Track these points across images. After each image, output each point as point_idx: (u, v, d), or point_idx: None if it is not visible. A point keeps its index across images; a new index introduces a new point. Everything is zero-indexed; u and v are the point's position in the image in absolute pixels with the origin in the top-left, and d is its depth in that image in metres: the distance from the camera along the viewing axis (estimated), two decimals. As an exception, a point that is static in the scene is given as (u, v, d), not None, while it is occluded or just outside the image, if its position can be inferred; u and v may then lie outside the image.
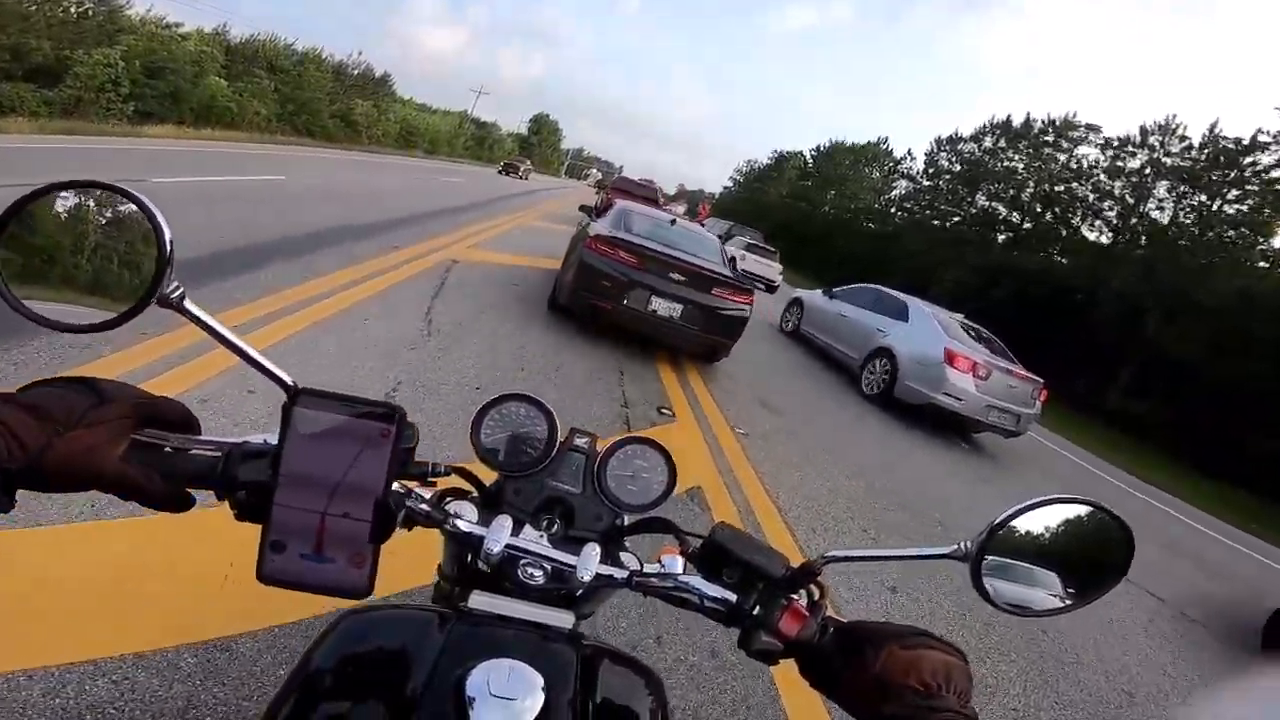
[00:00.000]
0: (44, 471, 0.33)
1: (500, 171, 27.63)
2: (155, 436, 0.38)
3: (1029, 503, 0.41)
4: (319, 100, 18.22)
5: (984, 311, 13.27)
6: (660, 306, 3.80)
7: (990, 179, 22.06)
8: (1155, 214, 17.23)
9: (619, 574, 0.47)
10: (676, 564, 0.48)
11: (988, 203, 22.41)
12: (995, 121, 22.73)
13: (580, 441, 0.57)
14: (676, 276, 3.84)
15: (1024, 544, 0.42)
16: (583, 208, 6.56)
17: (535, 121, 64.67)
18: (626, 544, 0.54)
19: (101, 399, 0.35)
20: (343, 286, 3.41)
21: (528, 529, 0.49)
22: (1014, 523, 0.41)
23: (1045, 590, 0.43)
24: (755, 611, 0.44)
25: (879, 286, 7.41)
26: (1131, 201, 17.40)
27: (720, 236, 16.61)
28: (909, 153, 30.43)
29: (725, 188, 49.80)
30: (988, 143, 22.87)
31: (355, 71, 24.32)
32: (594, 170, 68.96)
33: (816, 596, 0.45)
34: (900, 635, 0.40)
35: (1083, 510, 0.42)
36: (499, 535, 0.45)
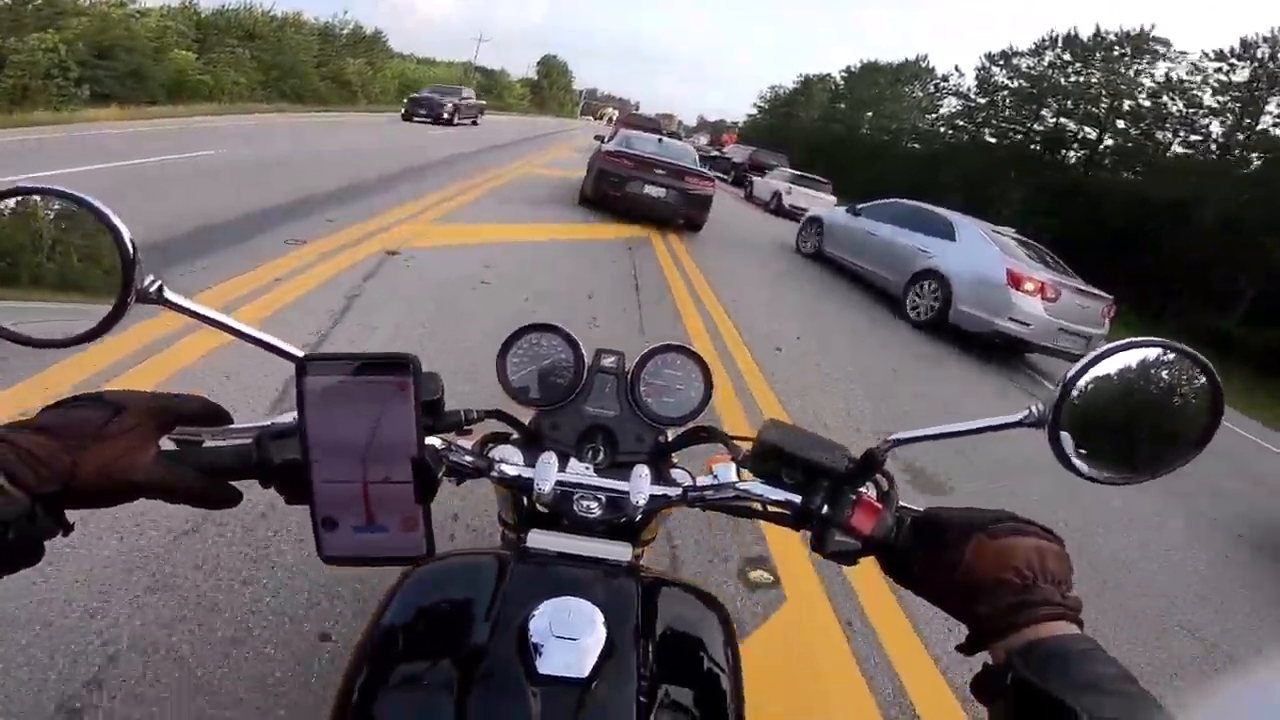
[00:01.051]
0: (80, 491, 0.33)
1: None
2: (184, 434, 0.38)
3: (1101, 350, 0.38)
4: (304, 64, 17.64)
5: (1057, 234, 12.20)
6: (651, 191, 6.20)
7: (1058, 94, 20.09)
8: (1272, 129, 15.27)
9: (673, 492, 0.47)
10: (730, 472, 0.48)
11: (1055, 119, 20.48)
12: (1056, 35, 20.67)
13: (608, 362, 0.57)
14: (660, 172, 6.23)
15: (1102, 401, 0.38)
16: (596, 137, 9.34)
17: (543, 64, 63.02)
18: (675, 460, 0.55)
19: (116, 409, 0.35)
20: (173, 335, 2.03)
21: (573, 462, 0.51)
22: (1088, 377, 0.38)
23: (1132, 450, 0.40)
24: (824, 511, 0.42)
25: (914, 202, 6.58)
26: (1237, 116, 15.69)
27: (754, 167, 15.85)
28: (956, 69, 27.32)
29: (750, 116, 46.90)
30: (1049, 57, 20.89)
31: (344, 32, 23.66)
32: (611, 110, 67.00)
33: (886, 487, 0.43)
34: (985, 524, 0.37)
35: (1162, 354, 0.39)
36: (547, 474, 0.45)
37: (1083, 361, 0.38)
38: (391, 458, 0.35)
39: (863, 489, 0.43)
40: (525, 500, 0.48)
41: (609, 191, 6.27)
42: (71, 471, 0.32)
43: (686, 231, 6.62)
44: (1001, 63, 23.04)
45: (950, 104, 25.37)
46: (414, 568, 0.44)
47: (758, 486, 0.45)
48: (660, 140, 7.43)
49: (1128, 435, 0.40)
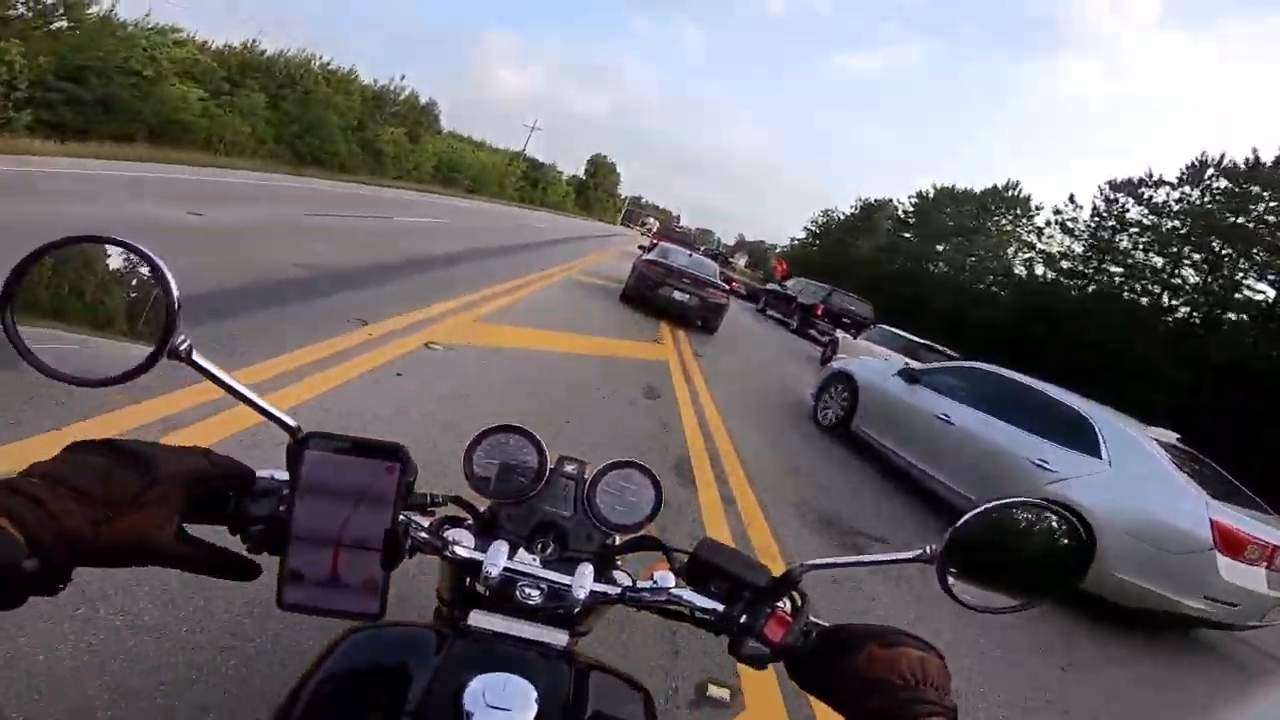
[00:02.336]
0: (92, 554, 0.36)
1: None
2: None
3: (987, 505, 0.50)
4: (329, 122, 17.20)
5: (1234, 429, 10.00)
6: (678, 295, 8.65)
7: (1236, 238, 16.14)
8: None
9: (613, 590, 0.56)
10: (668, 579, 0.57)
11: (1229, 271, 16.50)
12: (1210, 159, 17.58)
13: (569, 468, 0.68)
14: (687, 281, 8.74)
15: (987, 544, 0.51)
16: (640, 247, 13.53)
17: (592, 164, 66.03)
18: (619, 562, 0.64)
19: (154, 479, 0.39)
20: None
21: (522, 552, 0.58)
22: (974, 526, 0.50)
23: (1008, 588, 0.52)
24: (742, 620, 0.53)
25: (1019, 375, 4.51)
26: None
27: (832, 315, 13.90)
28: (1071, 199, 22.52)
29: (794, 240, 48.46)
30: (1197, 190, 17.66)
31: (400, 97, 23.97)
32: (652, 220, 71.98)
33: (799, 603, 0.54)
34: (879, 634, 0.47)
35: (1040, 509, 0.51)
36: (497, 559, 0.53)
37: (970, 514, 0.50)
38: (367, 527, 0.44)
39: (779, 604, 0.54)
40: (469, 581, 0.56)
41: (645, 292, 8.68)
42: (93, 540, 0.36)
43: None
44: (1124, 191, 19.79)
45: (1058, 241, 22.22)
46: (351, 631, 0.52)
47: (688, 594, 0.55)
48: (690, 255, 10.30)
49: (1003, 575, 0.52)
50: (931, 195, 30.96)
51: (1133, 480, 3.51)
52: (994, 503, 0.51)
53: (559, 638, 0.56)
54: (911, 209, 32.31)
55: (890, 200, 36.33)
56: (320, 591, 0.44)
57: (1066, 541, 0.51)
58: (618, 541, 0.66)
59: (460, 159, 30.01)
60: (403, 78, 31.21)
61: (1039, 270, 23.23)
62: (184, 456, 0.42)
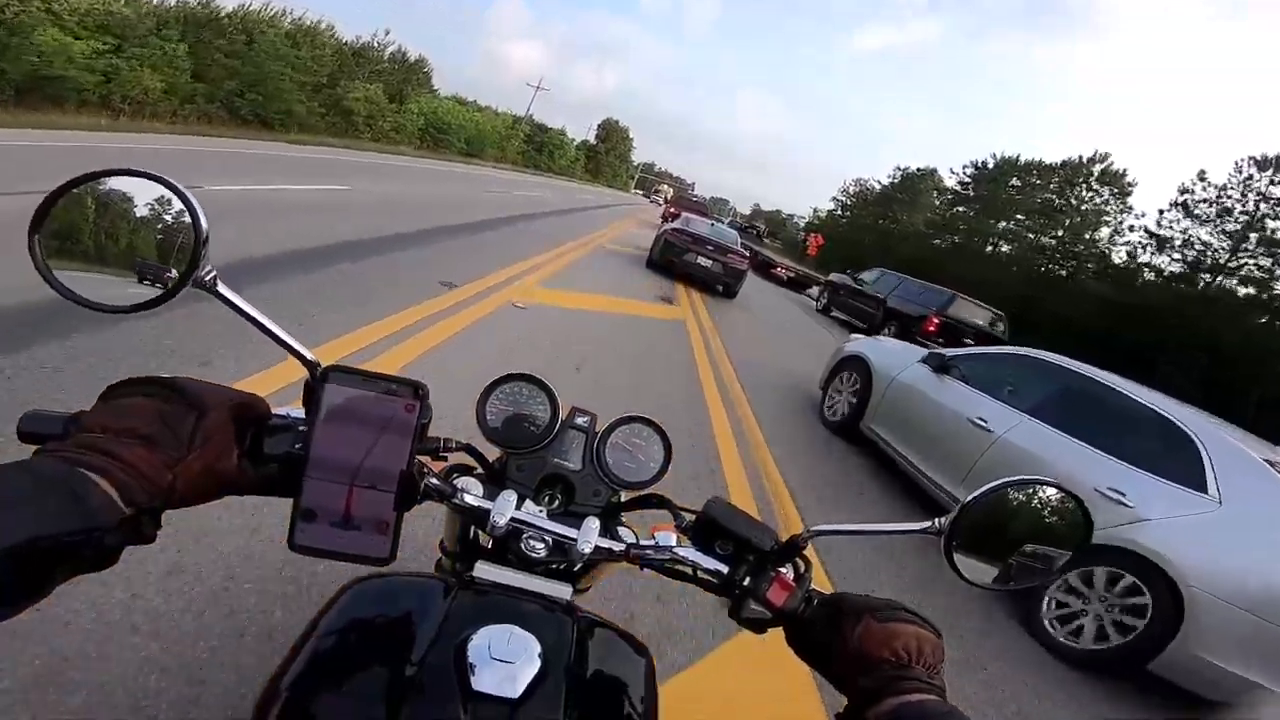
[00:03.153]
0: (177, 498, 0.42)
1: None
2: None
3: (995, 484, 0.57)
4: (277, 76, 16.08)
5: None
6: (702, 261, 10.06)
7: None
8: None
9: (617, 547, 0.62)
10: (671, 538, 0.63)
11: None
12: None
13: (581, 420, 0.73)
14: (710, 248, 10.20)
15: (993, 522, 0.57)
16: (663, 217, 18.90)
17: (604, 127, 65.86)
18: (624, 519, 0.70)
19: (200, 411, 0.44)
20: None
21: (529, 504, 0.64)
22: (983, 503, 0.56)
23: (1009, 565, 0.59)
24: (745, 582, 0.59)
25: (1086, 369, 3.60)
26: None
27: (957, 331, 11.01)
28: (1201, 175, 20.26)
29: (816, 211, 49.00)
30: None
31: (385, 53, 22.92)
32: (665, 187, 75.56)
33: (803, 569, 0.60)
34: (876, 609, 0.52)
35: (1047, 490, 0.58)
36: (505, 509, 0.59)
37: (980, 491, 0.56)
38: (383, 467, 0.48)
39: (783, 568, 0.60)
40: (474, 532, 0.67)
41: (671, 258, 9.97)
42: (172, 482, 0.41)
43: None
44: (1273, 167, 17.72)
45: (1176, 223, 20.11)
46: (355, 581, 0.57)
47: (693, 554, 0.61)
48: (712, 225, 11.68)
49: (1007, 552, 0.58)
50: (992, 164, 29.41)
51: (1253, 526, 2.60)
52: (1005, 480, 0.57)
53: (563, 591, 0.62)
54: (969, 179, 30.71)
55: (934, 170, 35.03)
56: (332, 532, 0.48)
57: (1066, 517, 0.59)
58: (624, 498, 0.72)
59: (450, 121, 28.99)
60: (387, 32, 30.22)
61: (1150, 259, 21.32)
62: (212, 388, 0.46)
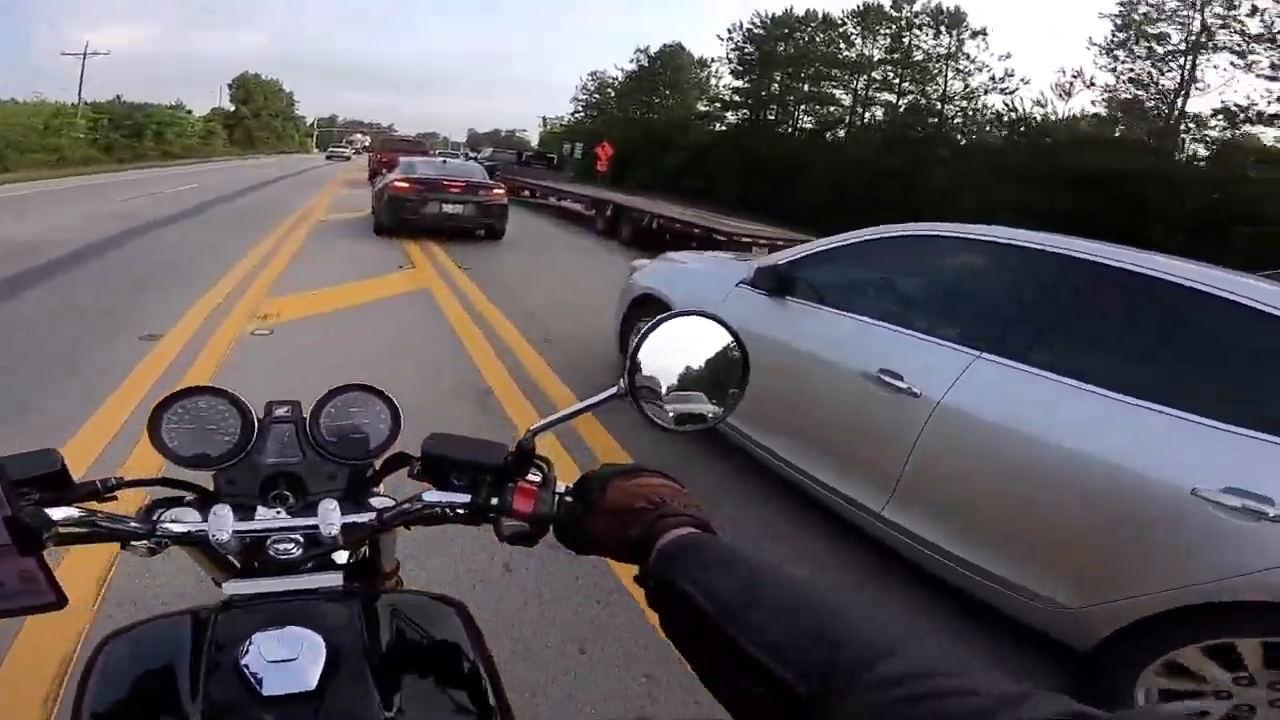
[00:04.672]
0: None
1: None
2: None
3: (648, 326, 0.65)
4: None
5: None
6: (449, 208, 9.75)
7: None
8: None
9: (367, 517, 0.68)
10: (423, 491, 0.70)
11: None
12: None
13: (282, 411, 0.77)
14: (455, 190, 9.92)
15: (665, 366, 0.67)
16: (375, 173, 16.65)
17: (239, 86, 61.40)
18: (380, 489, 0.77)
19: None
20: None
21: (261, 510, 0.69)
22: (648, 351, 0.65)
23: (695, 402, 0.69)
24: (492, 502, 0.66)
25: (1082, 247, 2.13)
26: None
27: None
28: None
29: (547, 120, 51.69)
30: None
31: None
32: (360, 136, 76.55)
33: (546, 469, 0.68)
34: (619, 472, 0.64)
35: (704, 323, 0.68)
36: (222, 525, 0.63)
37: (637, 339, 0.64)
38: None
39: (526, 478, 0.68)
40: (229, 557, 0.68)
41: (407, 216, 9.65)
42: None
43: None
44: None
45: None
46: (108, 640, 0.61)
47: (434, 494, 0.68)
48: (444, 162, 12.38)
49: (691, 390, 0.68)
50: (763, 23, 30.31)
51: None
52: (659, 318, 0.66)
53: (331, 579, 0.67)
54: (748, 42, 31.42)
55: (679, 44, 36.02)
56: None
57: (728, 352, 0.69)
58: (377, 468, 0.77)
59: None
60: None
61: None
62: None
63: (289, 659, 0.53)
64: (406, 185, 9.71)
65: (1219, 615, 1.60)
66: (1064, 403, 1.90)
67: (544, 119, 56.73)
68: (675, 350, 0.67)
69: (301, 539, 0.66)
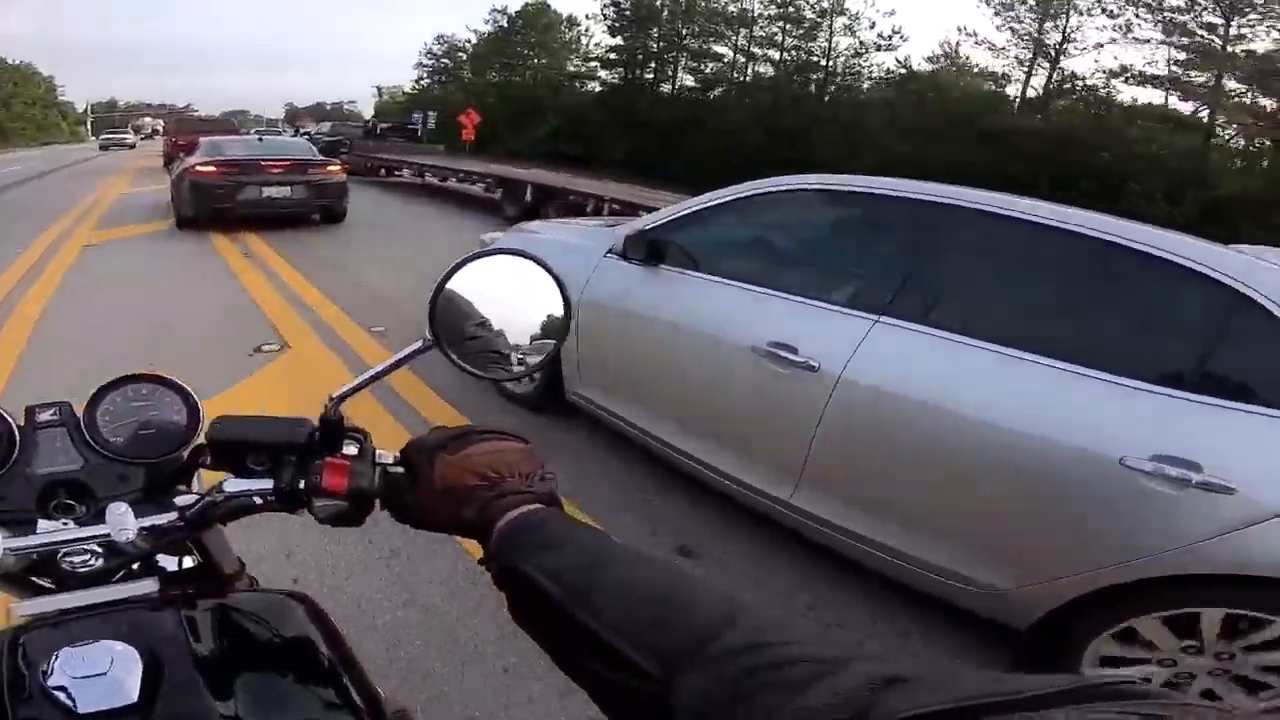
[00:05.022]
0: None
1: None
2: None
3: (454, 265, 0.63)
4: None
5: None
6: (271, 191, 8.62)
7: None
8: None
9: (167, 518, 0.64)
10: (230, 480, 0.65)
11: None
12: None
13: (47, 415, 0.71)
14: (277, 170, 8.77)
15: (469, 311, 0.65)
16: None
17: None
18: (190, 484, 0.73)
19: None
20: None
21: (43, 524, 0.65)
22: (458, 291, 0.64)
23: (513, 349, 0.67)
24: (300, 484, 0.61)
25: (974, 197, 2.02)
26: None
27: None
28: None
29: (381, 90, 50.73)
30: None
31: None
32: (148, 120, 73.58)
33: (362, 440, 0.64)
34: (444, 441, 0.59)
35: (519, 263, 0.65)
36: None
37: (439, 281, 0.62)
38: None
39: (339, 452, 0.63)
40: (31, 578, 0.65)
41: (217, 205, 8.33)
42: None
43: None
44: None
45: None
46: None
47: (234, 483, 0.63)
48: (260, 139, 10.97)
49: (502, 336, 0.66)
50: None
51: None
52: (456, 262, 0.63)
53: (144, 587, 0.64)
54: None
55: (545, 3, 34.88)
56: None
57: (546, 294, 0.66)
58: (186, 461, 0.73)
59: None
60: None
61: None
62: None
63: (99, 674, 0.52)
64: (213, 169, 8.49)
65: (1156, 589, 1.55)
66: (971, 367, 1.78)
67: (378, 88, 54.27)
68: (491, 294, 0.65)
69: (99, 549, 0.64)
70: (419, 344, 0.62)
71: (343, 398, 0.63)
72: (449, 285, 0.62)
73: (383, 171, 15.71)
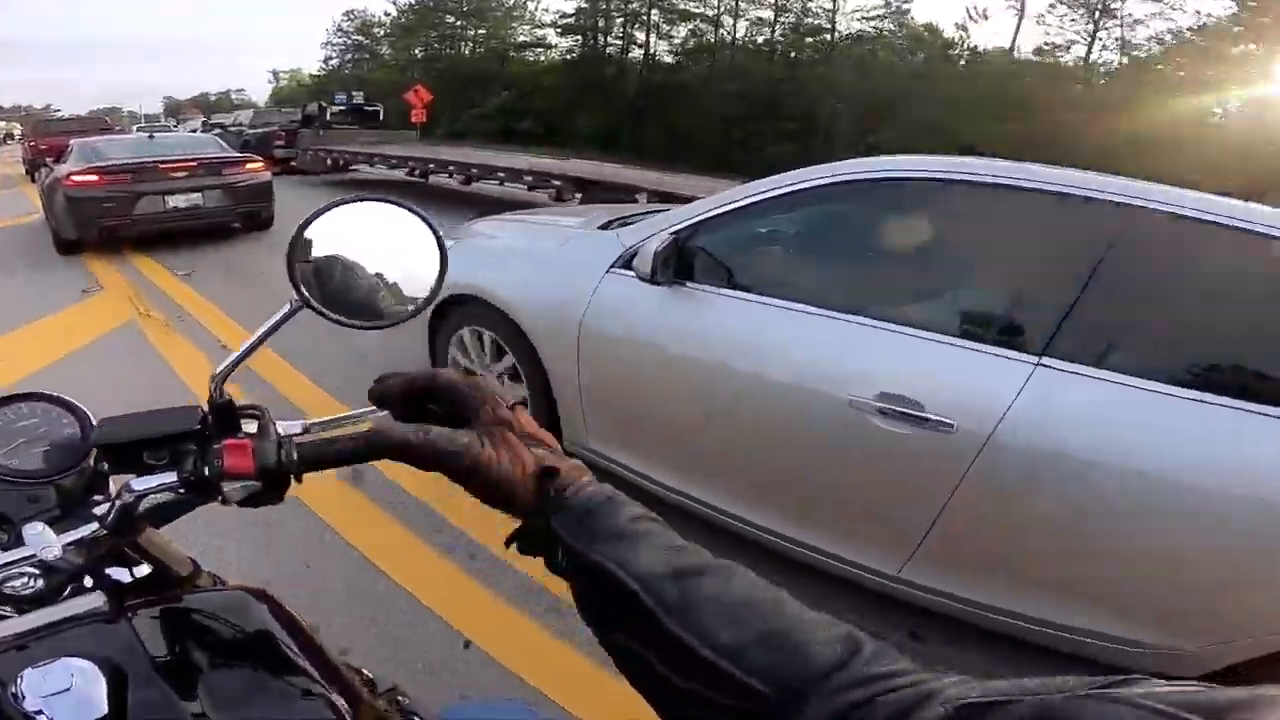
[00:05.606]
0: None
1: None
2: None
3: (310, 215, 0.60)
4: None
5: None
6: (177, 201, 7.43)
7: None
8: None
9: (89, 530, 0.63)
10: (135, 479, 0.63)
11: None
12: None
13: None
14: (182, 174, 7.54)
15: (340, 263, 0.63)
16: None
17: None
18: (105, 494, 0.76)
19: None
20: None
21: None
22: (323, 245, 0.62)
23: (383, 299, 0.66)
24: (205, 473, 0.59)
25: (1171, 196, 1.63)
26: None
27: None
28: None
29: (287, 76, 50.32)
30: None
31: None
32: (3, 124, 70.97)
33: (262, 416, 0.63)
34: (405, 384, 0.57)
35: (392, 210, 0.65)
36: None
37: (297, 230, 0.59)
38: None
39: (240, 433, 0.61)
40: None
41: (108, 222, 7.19)
42: None
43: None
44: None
45: None
46: None
47: (139, 482, 0.61)
48: (152, 138, 9.28)
49: (371, 286, 0.65)
50: None
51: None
52: (326, 205, 0.61)
53: (92, 601, 0.67)
54: None
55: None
56: None
57: (421, 245, 0.66)
58: (94, 468, 0.77)
59: None
60: None
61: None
62: None
63: (63, 690, 0.54)
64: (95, 178, 7.25)
65: None
66: (1172, 424, 1.51)
67: (274, 73, 53.66)
68: (358, 244, 0.64)
69: (35, 570, 0.66)
70: (287, 307, 0.61)
71: (224, 377, 0.63)
72: (308, 235, 0.62)
73: (332, 163, 13.63)
